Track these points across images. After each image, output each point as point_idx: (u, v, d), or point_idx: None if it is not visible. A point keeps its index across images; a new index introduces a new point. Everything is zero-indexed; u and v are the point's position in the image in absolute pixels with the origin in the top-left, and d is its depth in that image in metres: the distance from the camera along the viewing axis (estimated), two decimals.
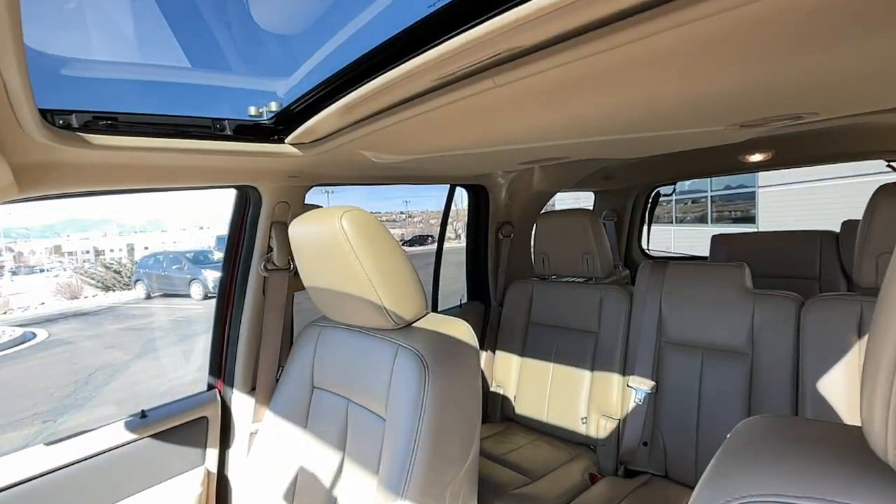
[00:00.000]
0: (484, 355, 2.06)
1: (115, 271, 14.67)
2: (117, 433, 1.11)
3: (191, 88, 0.90)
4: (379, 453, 0.94)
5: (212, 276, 11.67)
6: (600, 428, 1.61)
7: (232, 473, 1.28)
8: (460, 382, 0.93)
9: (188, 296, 11.79)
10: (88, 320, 10.28)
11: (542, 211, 2.28)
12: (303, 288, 1.30)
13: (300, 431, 1.14)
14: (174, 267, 12.47)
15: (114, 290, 14.08)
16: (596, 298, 1.75)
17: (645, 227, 3.18)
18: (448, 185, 1.98)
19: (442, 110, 0.72)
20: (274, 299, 1.28)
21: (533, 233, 2.01)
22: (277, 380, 1.27)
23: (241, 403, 1.28)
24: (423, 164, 1.27)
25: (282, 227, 1.24)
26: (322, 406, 1.13)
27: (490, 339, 2.06)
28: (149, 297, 12.52)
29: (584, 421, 1.67)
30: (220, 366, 1.31)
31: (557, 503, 1.34)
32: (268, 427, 1.17)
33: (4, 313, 10.93)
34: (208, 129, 0.87)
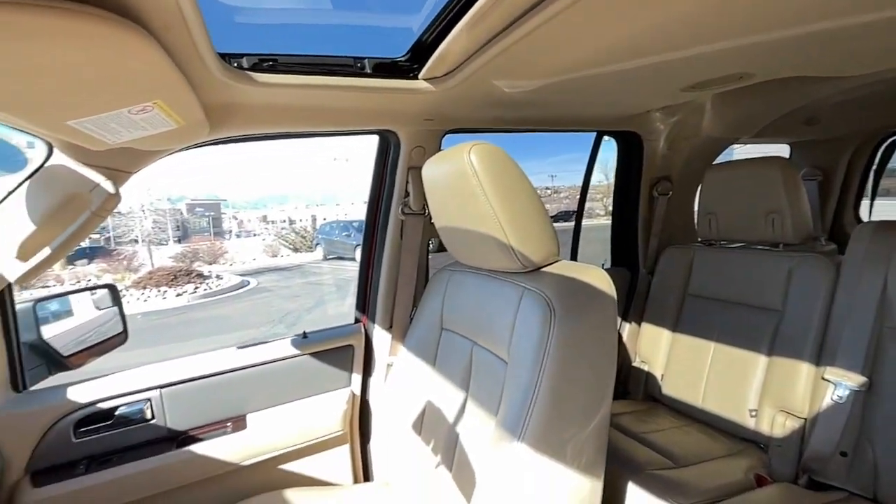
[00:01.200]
0: (627, 327, 1.86)
1: (301, 236, 17.74)
2: (286, 347, 1.32)
3: (333, 29, 0.96)
4: (500, 396, 0.91)
5: None
6: (776, 425, 1.31)
7: (372, 398, 1.41)
8: (591, 333, 0.83)
9: (353, 259, 13.62)
10: (282, 274, 12.67)
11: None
12: (437, 235, 1.32)
13: (429, 369, 1.18)
14: (343, 234, 14.47)
15: (300, 252, 17.09)
16: (783, 269, 1.40)
17: (867, 192, 2.42)
18: (594, 137, 1.79)
19: (578, 7, 0.61)
20: (410, 243, 1.34)
21: (699, 190, 1.69)
22: (412, 319, 1.34)
23: (381, 337, 1.40)
24: (562, 96, 1.15)
25: (417, 172, 1.27)
26: (449, 347, 1.15)
27: (636, 309, 1.84)
28: (325, 258, 14.84)
29: (754, 414, 1.38)
30: (365, 302, 1.45)
31: (710, 496, 1.14)
32: (402, 362, 1.24)
33: (231, 265, 14.32)
34: (350, 67, 0.92)
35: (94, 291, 1.39)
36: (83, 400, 1.09)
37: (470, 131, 1.38)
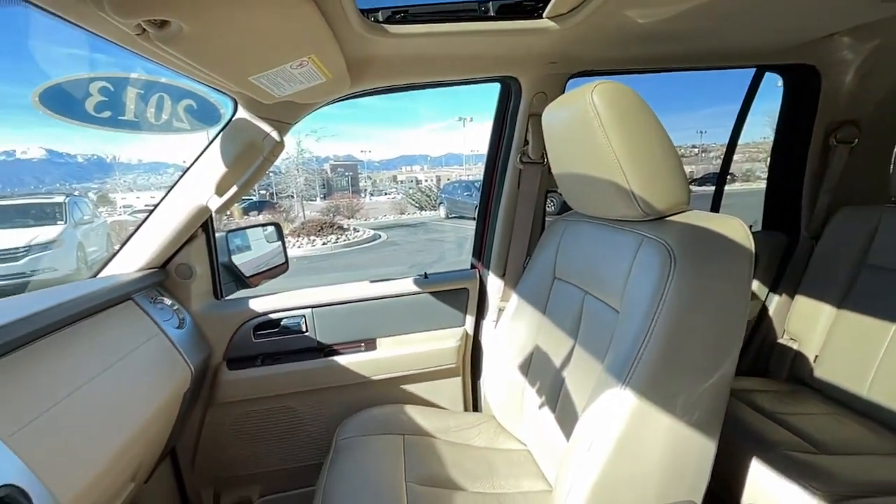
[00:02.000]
0: (776, 299, 1.62)
1: (427, 196, 18.68)
2: (409, 285, 1.47)
3: None
4: (608, 345, 0.90)
5: None
6: None
7: (483, 339, 1.51)
8: (716, 285, 0.76)
9: (474, 218, 13.96)
10: (408, 230, 13.62)
11: None
12: (555, 185, 1.30)
13: (539, 316, 1.21)
14: (465, 194, 14.83)
15: (425, 210, 18.08)
16: None
17: None
18: (752, 75, 1.52)
19: None
20: (526, 192, 1.35)
21: None
22: (524, 267, 1.37)
23: (494, 283, 1.46)
24: (710, 23, 1.00)
25: (538, 119, 1.25)
26: (560, 295, 1.16)
27: (790, 279, 1.58)
28: (447, 217, 15.49)
29: None
30: (481, 249, 1.52)
31: (862, 489, 0.99)
32: (513, 307, 1.29)
33: (366, 220, 15.92)
34: (475, 11, 0.94)
35: (265, 228, 1.70)
36: (260, 310, 1.38)
37: (597, 74, 1.29)
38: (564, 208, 1.25)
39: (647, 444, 0.76)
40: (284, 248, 1.67)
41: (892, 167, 1.47)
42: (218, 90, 1.03)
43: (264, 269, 1.60)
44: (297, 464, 1.43)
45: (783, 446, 1.12)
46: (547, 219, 1.50)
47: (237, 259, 1.52)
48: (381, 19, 0.91)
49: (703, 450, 0.78)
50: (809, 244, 1.55)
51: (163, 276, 1.25)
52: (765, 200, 1.71)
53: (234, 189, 1.11)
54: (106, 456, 0.81)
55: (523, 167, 1.33)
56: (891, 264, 1.30)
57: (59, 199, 9.18)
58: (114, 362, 0.93)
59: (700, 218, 0.83)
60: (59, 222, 8.26)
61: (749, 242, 0.78)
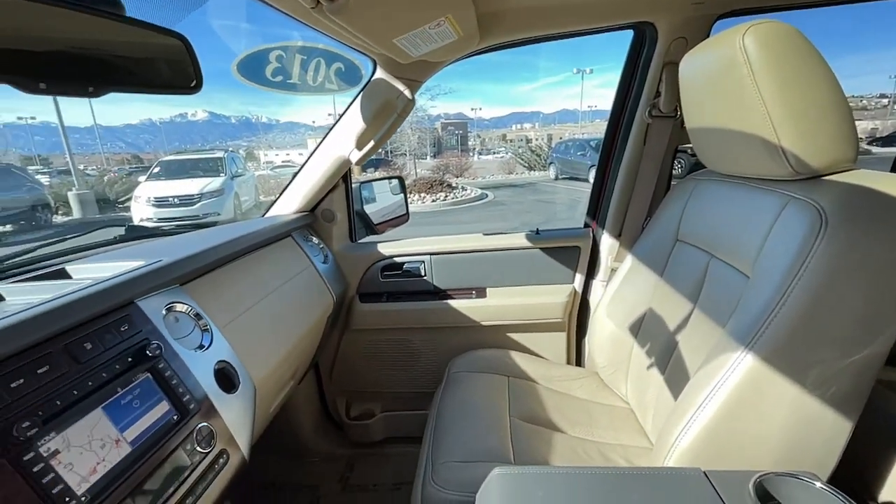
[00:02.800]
0: None
1: (536, 155, 18.07)
2: (520, 240, 1.52)
3: None
4: (732, 311, 0.86)
5: None
6: None
7: (591, 298, 1.51)
8: (877, 254, 0.68)
9: (587, 180, 13.20)
10: (516, 190, 13.43)
11: None
12: (686, 141, 1.22)
13: (655, 278, 1.18)
14: (578, 153, 13.99)
15: (534, 171, 17.56)
16: None
17: None
18: None
19: None
20: (653, 148, 1.27)
21: None
22: (643, 228, 1.32)
23: (608, 243, 1.44)
24: None
25: (674, 68, 1.15)
26: (682, 258, 1.11)
27: None
28: (557, 178, 14.87)
29: None
30: (597, 208, 1.49)
31: None
32: (627, 267, 1.27)
33: (474, 178, 16.05)
34: None
35: (390, 181, 1.87)
36: (387, 254, 1.56)
37: (753, 12, 1.13)
38: (693, 171, 1.16)
39: (768, 409, 0.73)
40: (406, 201, 1.83)
41: None
42: (361, 52, 1.14)
43: (389, 218, 1.77)
44: (413, 390, 1.63)
45: None
46: (672, 182, 1.40)
47: (367, 208, 1.71)
48: None
49: (834, 427, 0.73)
50: None
51: (312, 219, 1.48)
52: None
53: (371, 143, 1.25)
54: (280, 354, 1.04)
55: (652, 121, 1.25)
56: None
57: (220, 154, 10.90)
58: (281, 284, 1.16)
59: (865, 177, 0.73)
60: (220, 174, 9.83)
61: None
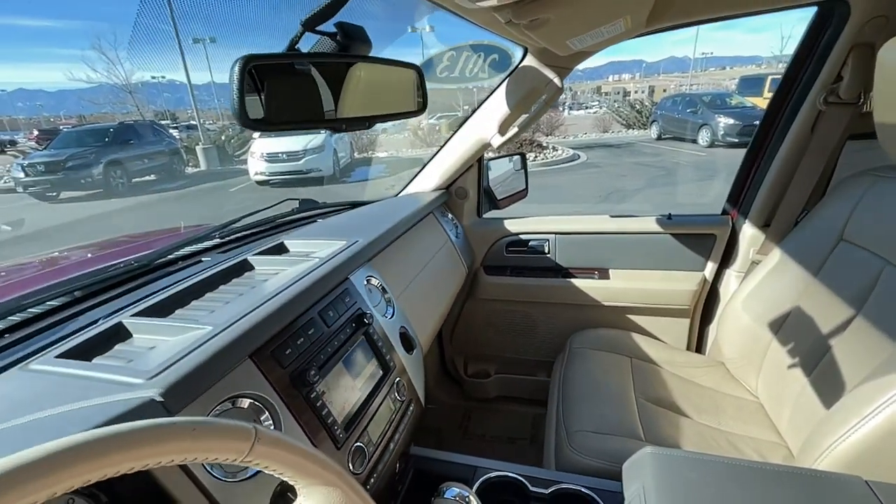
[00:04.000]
0: None
1: (637, 111, 16.56)
2: (649, 223, 1.51)
3: None
4: None
5: (723, 123, 11.06)
6: None
7: (722, 288, 1.48)
8: None
9: (694, 141, 11.91)
10: (612, 151, 12.58)
11: None
12: (868, 132, 1.12)
13: (808, 277, 1.13)
14: (688, 110, 12.57)
15: (633, 129, 16.19)
16: None
17: None
18: None
19: None
20: (823, 137, 1.17)
21: None
22: (797, 222, 1.25)
23: (751, 233, 1.38)
24: None
25: (865, 49, 1.04)
26: (846, 260, 1.05)
27: None
28: (659, 138, 13.58)
29: None
30: (740, 196, 1.42)
31: None
32: (774, 261, 1.23)
33: (565, 137, 15.25)
34: None
35: (511, 158, 1.92)
36: (513, 230, 1.65)
37: None
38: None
39: None
40: (526, 176, 1.88)
41: None
42: (513, 41, 1.18)
43: (511, 193, 1.84)
44: (528, 357, 1.76)
45: None
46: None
47: (491, 183, 1.79)
48: None
49: None
50: None
51: (447, 197, 1.60)
52: None
53: (514, 129, 1.31)
54: (435, 319, 1.20)
55: (826, 108, 1.15)
56: None
57: None
58: (431, 258, 1.31)
59: None
60: (321, 132, 10.48)
61: None
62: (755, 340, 1.24)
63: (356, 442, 0.73)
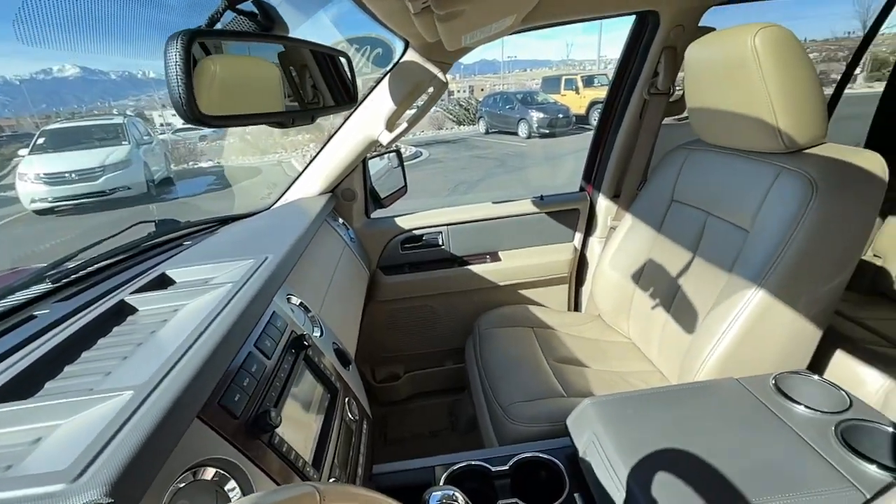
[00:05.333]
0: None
1: (465, 109, 18.01)
2: (527, 205, 1.67)
3: None
4: (734, 258, 1.10)
5: (536, 117, 12.82)
6: None
7: (589, 254, 1.74)
8: (853, 211, 0.93)
9: (516, 133, 13.55)
10: (449, 146, 13.43)
11: None
12: (676, 113, 1.42)
13: (653, 233, 1.41)
14: (507, 107, 14.20)
15: (464, 125, 17.57)
16: None
17: None
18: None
19: None
20: (649, 121, 1.47)
21: None
22: (638, 191, 1.54)
23: (605, 205, 1.65)
24: None
25: (671, 52, 1.33)
26: (678, 216, 1.34)
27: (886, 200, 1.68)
28: (487, 132, 15.04)
29: None
30: (592, 174, 1.68)
31: None
32: (626, 225, 1.49)
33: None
34: None
35: (388, 155, 1.90)
36: (406, 227, 1.64)
37: (735, 1, 1.33)
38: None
39: (774, 329, 0.99)
40: (404, 173, 1.89)
41: None
42: (393, 33, 1.17)
43: (390, 191, 1.83)
44: (435, 348, 1.79)
45: (865, 342, 1.34)
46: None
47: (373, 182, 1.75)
48: None
49: (813, 336, 1.01)
50: None
51: (335, 200, 1.51)
52: (874, 119, 1.74)
53: (403, 125, 1.30)
54: (355, 328, 1.13)
55: (649, 98, 1.43)
56: None
57: (118, 119, 9.57)
58: (335, 267, 1.22)
59: (839, 151, 0.97)
60: (123, 142, 8.70)
61: (884, 174, 0.93)
62: (622, 292, 1.49)
63: (330, 477, 0.65)
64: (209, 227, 1.26)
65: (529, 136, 12.83)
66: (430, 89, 1.27)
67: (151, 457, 0.41)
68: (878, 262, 1.65)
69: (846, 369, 1.28)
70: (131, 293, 0.75)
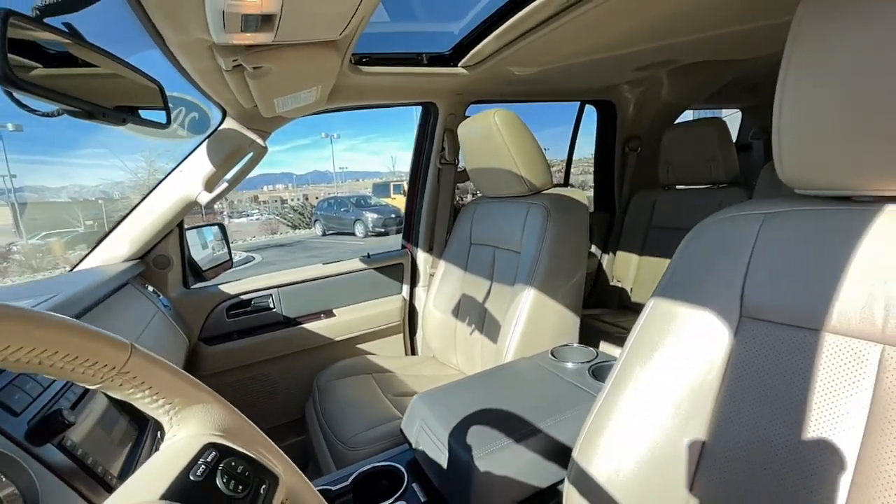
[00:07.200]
0: (606, 257, 2.39)
1: (299, 213, 18.07)
2: (357, 264, 1.82)
3: (404, 35, 1.42)
4: (514, 274, 1.42)
5: (371, 217, 13.67)
6: None
7: (417, 301, 1.94)
8: (573, 224, 1.34)
9: (353, 234, 14.08)
10: (285, 249, 13.09)
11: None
12: (465, 179, 1.81)
13: (462, 273, 1.70)
14: (342, 209, 14.86)
15: (299, 229, 17.47)
16: (715, 201, 1.92)
17: None
18: (578, 106, 2.27)
19: (569, 24, 1.09)
20: (445, 185, 1.84)
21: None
22: (446, 241, 1.84)
23: (423, 257, 1.91)
24: (556, 75, 1.63)
25: (451, 133, 1.76)
26: (477, 255, 1.66)
27: (613, 242, 2.36)
28: (324, 234, 15.28)
29: None
30: (409, 232, 1.95)
31: None
32: (441, 271, 1.75)
33: (233, 242, 14.72)
34: (414, 59, 1.40)
35: (211, 227, 1.87)
36: (232, 293, 1.59)
37: (487, 102, 1.86)
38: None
39: (545, 319, 1.29)
40: (229, 246, 1.87)
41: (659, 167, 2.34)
42: (214, 102, 1.28)
43: (214, 264, 1.78)
44: (274, 423, 1.66)
45: (615, 335, 1.80)
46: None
47: (194, 254, 1.68)
48: (355, 62, 1.31)
49: (573, 318, 1.35)
50: (622, 217, 2.34)
51: (143, 267, 1.40)
52: (594, 189, 2.49)
53: (224, 185, 1.36)
54: None
55: (442, 167, 1.82)
56: (663, 223, 2.12)
57: None
58: (140, 333, 1.12)
59: (562, 191, 1.41)
60: None
61: (587, 203, 1.38)
62: (446, 328, 1.70)
63: None
64: None
65: (366, 235, 13.48)
66: (251, 154, 1.38)
67: None
68: (619, 286, 2.27)
69: (607, 350, 1.68)
70: None
